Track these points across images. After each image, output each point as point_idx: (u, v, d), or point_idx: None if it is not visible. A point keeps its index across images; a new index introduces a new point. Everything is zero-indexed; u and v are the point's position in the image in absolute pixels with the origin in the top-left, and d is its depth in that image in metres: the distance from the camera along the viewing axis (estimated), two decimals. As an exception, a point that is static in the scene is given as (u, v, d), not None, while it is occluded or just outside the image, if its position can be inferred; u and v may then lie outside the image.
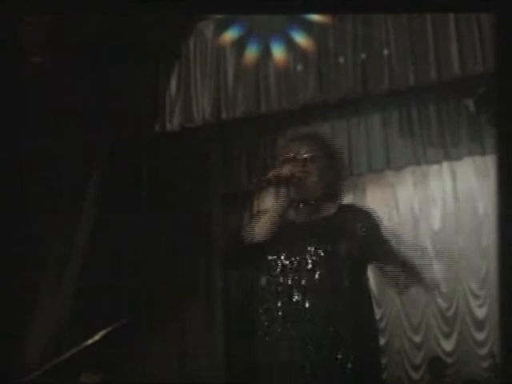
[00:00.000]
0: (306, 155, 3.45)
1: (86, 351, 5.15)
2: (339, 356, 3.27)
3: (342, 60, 6.78)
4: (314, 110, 7.17)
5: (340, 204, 3.54)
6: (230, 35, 6.53)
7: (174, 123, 7.28)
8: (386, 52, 6.65)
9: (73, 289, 6.72)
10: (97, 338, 5.20)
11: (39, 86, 5.68)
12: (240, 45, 6.62)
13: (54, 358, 5.22)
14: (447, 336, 8.45)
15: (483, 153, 7.39)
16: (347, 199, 3.65)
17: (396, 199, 8.72)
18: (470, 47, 6.35)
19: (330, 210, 3.48)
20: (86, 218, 6.84)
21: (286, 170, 3.38)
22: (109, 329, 5.22)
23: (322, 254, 3.34)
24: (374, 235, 3.46)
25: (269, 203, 3.42)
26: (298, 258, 3.35)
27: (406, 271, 3.50)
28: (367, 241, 3.42)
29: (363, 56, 6.73)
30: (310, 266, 3.33)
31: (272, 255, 3.41)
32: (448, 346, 8.42)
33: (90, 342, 5.18)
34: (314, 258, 3.34)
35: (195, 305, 7.81)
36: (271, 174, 3.39)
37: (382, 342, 8.44)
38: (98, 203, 6.91)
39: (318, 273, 3.32)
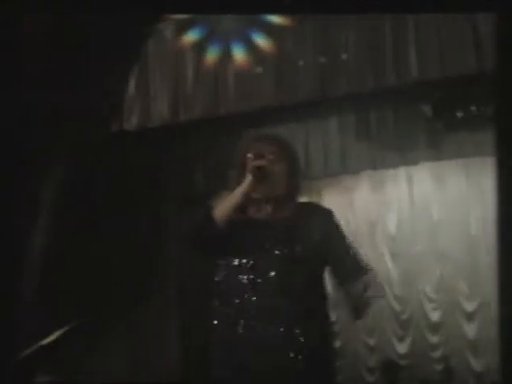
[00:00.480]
0: (270, 156, 3.48)
1: (41, 351, 5.12)
2: (292, 356, 3.29)
3: (300, 63, 6.80)
4: (271, 112, 7.19)
5: (298, 203, 3.56)
6: (190, 36, 6.52)
7: (132, 123, 7.27)
8: (344, 56, 6.68)
9: (29, 288, 6.67)
10: (52, 338, 5.18)
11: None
12: (200, 46, 6.60)
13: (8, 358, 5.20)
14: (401, 339, 8.52)
15: (440, 158, 7.45)
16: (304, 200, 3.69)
17: (352, 203, 8.78)
18: (428, 51, 6.39)
19: (289, 209, 3.50)
20: (43, 216, 6.79)
21: (255, 162, 3.41)
22: (64, 329, 5.21)
23: (278, 253, 3.36)
24: (332, 235, 3.48)
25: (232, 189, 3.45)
26: (254, 256, 3.37)
27: (356, 274, 3.50)
28: (325, 241, 3.44)
29: (322, 59, 6.75)
30: (265, 264, 3.34)
31: (228, 252, 3.42)
32: (402, 348, 8.49)
33: (45, 342, 5.16)
34: (270, 257, 3.35)
35: (149, 304, 7.79)
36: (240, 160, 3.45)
37: (336, 344, 8.50)
38: (56, 204, 6.86)
39: (273, 272, 3.33)
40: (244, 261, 3.36)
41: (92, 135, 7.00)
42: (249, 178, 3.39)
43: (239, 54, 6.43)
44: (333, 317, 8.35)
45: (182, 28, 6.61)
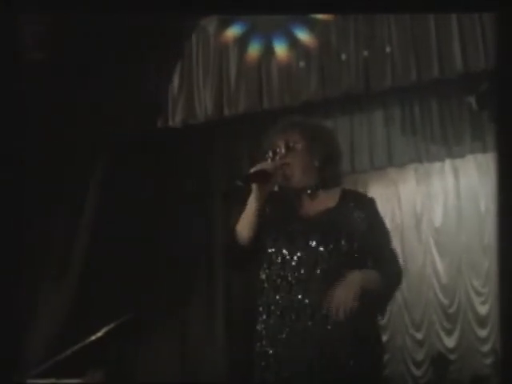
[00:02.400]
0: (291, 144, 3.42)
1: (90, 347, 5.18)
2: (339, 352, 3.26)
3: (344, 57, 6.78)
4: (315, 106, 7.17)
5: (341, 191, 3.48)
6: (233, 32, 6.53)
7: (176, 120, 7.29)
8: (388, 49, 6.64)
9: (76, 285, 6.74)
10: (100, 334, 5.23)
11: (40, 83, 5.68)
12: (242, 42, 6.61)
13: (57, 354, 5.26)
14: (449, 332, 8.46)
15: (485, 150, 7.38)
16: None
17: (398, 196, 8.74)
18: (472, 44, 6.33)
19: (331, 199, 3.44)
20: (88, 215, 6.85)
21: (269, 164, 3.36)
22: (112, 325, 5.25)
23: (323, 249, 3.31)
24: (374, 225, 3.42)
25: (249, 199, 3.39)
26: (298, 252, 3.32)
27: (393, 267, 3.42)
28: (368, 232, 3.38)
29: (365, 53, 6.72)
30: (310, 261, 3.30)
31: (272, 248, 3.38)
32: (450, 342, 8.43)
33: (93, 338, 5.21)
34: (314, 253, 3.30)
35: (197, 301, 7.81)
36: (255, 168, 3.37)
37: (384, 338, 8.47)
38: (101, 200, 6.92)
39: (318, 269, 3.29)
40: (288, 257, 3.32)
41: (137, 133, 7.06)
42: (254, 187, 3.32)
43: (281, 49, 6.43)
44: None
45: (225, 24, 6.63)
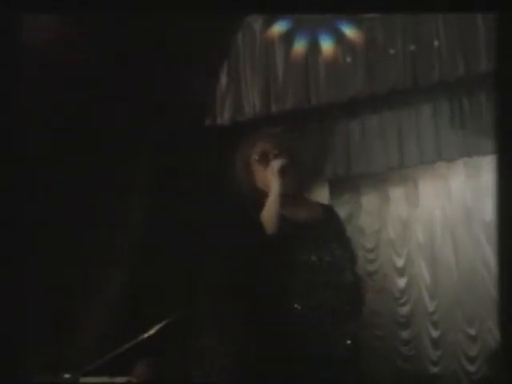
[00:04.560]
0: (276, 152, 3.46)
1: (141, 345, 5.22)
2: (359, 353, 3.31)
3: (391, 51, 6.76)
4: (363, 102, 7.16)
5: (314, 203, 3.58)
6: (278, 29, 6.54)
7: (224, 117, 7.33)
8: (436, 43, 6.60)
9: (127, 282, 6.80)
10: (152, 332, 5.27)
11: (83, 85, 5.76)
12: (288, 38, 6.62)
13: (109, 351, 5.31)
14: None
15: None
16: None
17: (448, 191, 8.67)
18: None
19: (313, 209, 3.50)
20: (138, 212, 6.92)
21: (277, 161, 3.40)
22: (164, 323, 5.28)
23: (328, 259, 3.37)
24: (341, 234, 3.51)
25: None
26: (326, 256, 3.36)
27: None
28: (348, 241, 3.49)
29: (412, 48, 6.69)
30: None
31: (302, 252, 3.41)
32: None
33: (145, 335, 5.25)
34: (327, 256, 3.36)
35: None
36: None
37: (435, 334, 8.43)
38: (149, 197, 6.98)
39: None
40: (315, 260, 3.36)
41: (186, 131, 7.10)
42: (277, 180, 3.34)
43: (327, 45, 6.42)
44: (431, 307, 8.27)
45: (270, 21, 6.64)
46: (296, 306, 3.33)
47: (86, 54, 5.50)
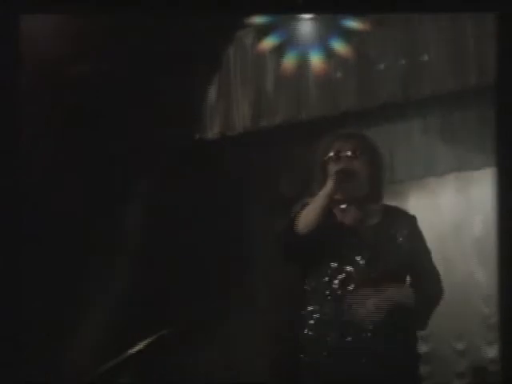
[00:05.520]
0: (349, 153, 3.45)
1: (129, 361, 5.17)
2: (382, 364, 3.26)
3: (381, 66, 6.75)
4: (353, 116, 7.15)
5: (384, 207, 3.52)
6: (269, 43, 6.55)
7: (214, 131, 7.31)
8: (426, 57, 6.60)
9: (117, 297, 6.76)
10: (140, 347, 5.21)
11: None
12: (279, 52, 6.63)
13: (95, 367, 5.26)
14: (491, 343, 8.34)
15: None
16: (390, 203, 3.64)
17: (438, 206, 8.65)
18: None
19: (375, 214, 3.46)
20: (132, 226, 6.89)
21: (334, 166, 3.39)
22: (153, 337, 5.23)
23: (364, 263, 3.32)
24: (416, 245, 3.45)
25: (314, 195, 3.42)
26: (345, 266, 3.34)
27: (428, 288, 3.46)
28: (409, 252, 3.41)
29: (403, 61, 6.69)
30: (356, 276, 3.31)
31: (317, 260, 3.39)
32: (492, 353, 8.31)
33: (133, 351, 5.20)
34: (359, 268, 3.32)
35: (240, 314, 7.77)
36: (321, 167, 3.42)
37: (425, 349, 8.38)
38: (143, 212, 6.96)
39: (359, 282, 3.30)
40: (334, 269, 3.33)
41: (174, 145, 7.08)
42: (330, 182, 3.35)
43: (318, 59, 6.43)
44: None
45: (262, 34, 6.65)
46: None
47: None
